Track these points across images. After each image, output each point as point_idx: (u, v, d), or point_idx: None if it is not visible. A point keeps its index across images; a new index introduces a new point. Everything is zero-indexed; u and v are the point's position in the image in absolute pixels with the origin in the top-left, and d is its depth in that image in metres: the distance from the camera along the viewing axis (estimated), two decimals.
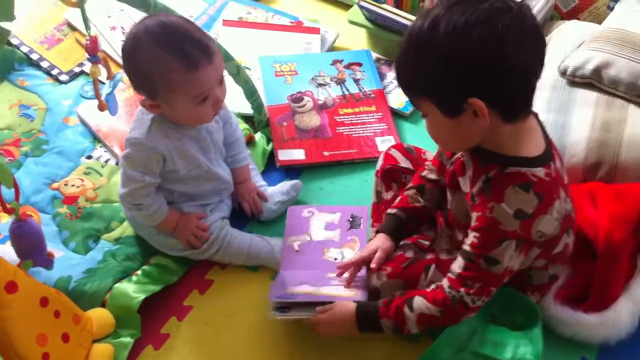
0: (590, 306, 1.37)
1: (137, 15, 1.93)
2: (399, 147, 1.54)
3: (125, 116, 1.82)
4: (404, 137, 1.83)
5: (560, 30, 1.81)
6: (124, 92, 1.88)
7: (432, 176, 1.41)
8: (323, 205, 1.63)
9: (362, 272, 1.40)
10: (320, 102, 1.88)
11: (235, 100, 1.77)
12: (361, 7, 1.99)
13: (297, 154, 1.76)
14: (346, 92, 1.91)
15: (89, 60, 1.57)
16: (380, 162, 1.53)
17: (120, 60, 1.98)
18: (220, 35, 2.05)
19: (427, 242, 1.43)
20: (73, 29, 2.15)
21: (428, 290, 1.25)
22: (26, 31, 2.11)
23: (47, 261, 1.41)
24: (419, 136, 1.79)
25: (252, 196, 1.62)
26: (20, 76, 2.04)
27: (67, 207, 1.66)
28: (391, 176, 1.51)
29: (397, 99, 1.92)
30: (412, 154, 1.52)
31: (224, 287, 1.53)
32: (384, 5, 1.95)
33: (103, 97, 1.60)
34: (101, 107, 1.62)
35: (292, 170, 1.74)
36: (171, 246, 1.53)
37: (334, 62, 1.99)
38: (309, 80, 1.94)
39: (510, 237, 1.13)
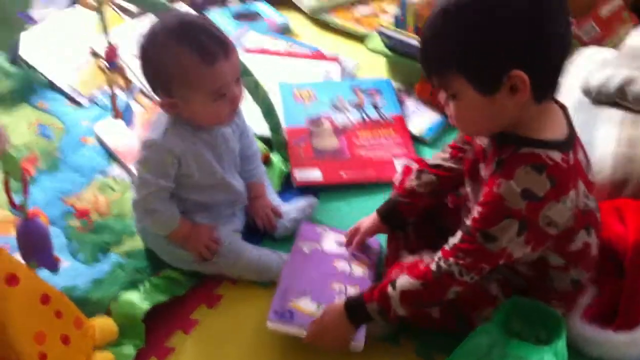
0: (619, 324, 1.30)
1: None
2: (418, 160, 1.50)
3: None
4: None
5: (581, 54, 1.79)
6: (144, 115, 1.88)
7: (435, 162, 1.38)
8: (337, 228, 1.58)
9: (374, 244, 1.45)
10: (338, 126, 1.86)
11: (252, 121, 1.74)
12: (381, 34, 1.99)
13: (314, 175, 1.72)
14: (365, 117, 1.89)
15: (106, 67, 1.57)
16: (399, 176, 1.49)
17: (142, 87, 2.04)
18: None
19: None
20: (96, 56, 2.17)
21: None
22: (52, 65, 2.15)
23: (53, 263, 1.36)
24: None
25: (266, 212, 1.58)
26: (40, 99, 2.05)
27: (79, 221, 1.63)
28: None
29: (418, 125, 1.89)
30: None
31: (233, 302, 1.47)
32: (404, 32, 1.94)
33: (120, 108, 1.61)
34: (117, 115, 1.62)
35: (309, 191, 1.70)
36: (181, 258, 1.48)
37: (354, 89, 1.98)
38: (328, 105, 1.92)
39: (514, 215, 1.08)
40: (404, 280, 1.21)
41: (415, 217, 1.43)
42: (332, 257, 1.48)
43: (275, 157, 1.76)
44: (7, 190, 1.32)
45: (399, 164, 1.74)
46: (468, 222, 1.14)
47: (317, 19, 2.41)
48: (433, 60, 1.11)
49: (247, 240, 1.54)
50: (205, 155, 1.43)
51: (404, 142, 1.82)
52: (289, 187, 1.72)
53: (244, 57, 2.05)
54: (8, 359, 1.16)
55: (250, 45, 2.17)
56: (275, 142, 1.79)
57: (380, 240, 1.54)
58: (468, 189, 1.26)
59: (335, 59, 2.12)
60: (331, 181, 1.71)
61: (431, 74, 1.12)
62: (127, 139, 1.81)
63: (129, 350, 1.35)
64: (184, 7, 2.27)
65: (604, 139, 1.53)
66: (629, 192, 1.48)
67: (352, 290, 1.38)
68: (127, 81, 1.64)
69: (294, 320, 1.32)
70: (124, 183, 1.74)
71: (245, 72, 1.63)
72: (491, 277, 1.26)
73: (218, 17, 2.30)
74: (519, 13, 1.01)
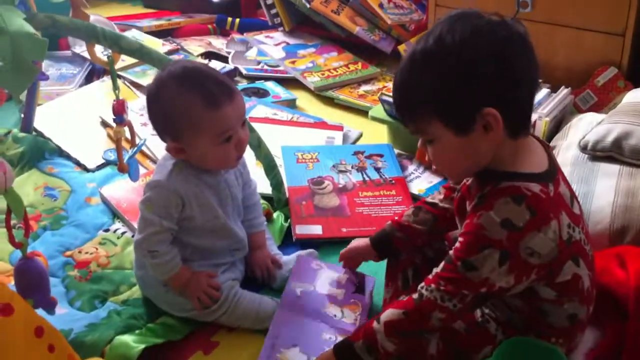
0: None
1: None
2: (421, 202, 1.50)
3: None
4: None
5: (580, 119, 1.83)
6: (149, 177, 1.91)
7: (433, 200, 1.39)
8: (333, 264, 1.57)
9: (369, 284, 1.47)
10: (340, 186, 1.88)
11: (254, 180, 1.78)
12: (382, 101, 2.04)
13: (315, 229, 1.73)
14: (367, 178, 1.92)
15: (114, 120, 1.62)
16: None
17: (148, 152, 2.09)
18: None
19: None
20: (106, 125, 2.24)
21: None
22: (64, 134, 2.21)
23: (49, 303, 1.37)
24: None
25: (265, 262, 1.58)
26: (49, 164, 2.09)
27: (78, 271, 1.63)
28: None
29: (419, 185, 1.91)
30: None
31: (229, 349, 1.44)
32: None
33: (125, 160, 1.64)
34: (122, 169, 1.65)
35: (309, 245, 1.70)
36: (180, 305, 1.47)
37: (356, 153, 2.02)
38: (330, 167, 1.95)
39: (494, 245, 1.08)
40: (388, 312, 1.20)
41: (406, 251, 1.43)
42: (324, 301, 1.46)
43: (277, 214, 1.77)
44: (9, 227, 1.34)
45: None
46: (450, 251, 1.15)
47: (322, 96, 2.49)
48: (406, 108, 1.15)
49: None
50: (209, 199, 1.45)
51: (405, 201, 1.83)
52: (289, 242, 1.72)
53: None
54: None
55: (257, 115, 2.23)
56: (277, 199, 1.81)
57: (375, 278, 1.54)
58: (459, 226, 1.27)
59: (338, 128, 2.17)
60: (331, 235, 1.72)
61: (406, 121, 1.16)
62: (131, 196, 1.83)
63: None
64: None
65: (602, 190, 1.54)
66: (628, 240, 1.48)
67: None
68: (134, 138, 1.68)
69: None
70: (126, 238, 1.75)
71: (249, 129, 1.67)
72: (488, 316, 1.25)
73: None
74: (487, 52, 1.05)
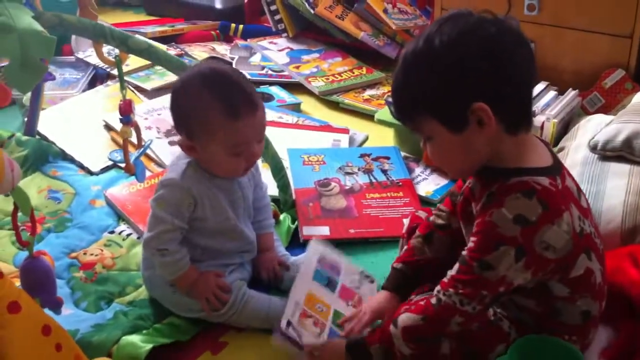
0: None
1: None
2: (427, 209, 1.49)
3: None
4: None
5: (589, 120, 1.82)
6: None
7: (441, 221, 1.36)
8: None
9: None
10: (347, 188, 1.87)
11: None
12: (389, 104, 2.03)
13: (322, 230, 1.71)
14: (373, 180, 1.90)
15: (121, 120, 1.61)
16: (406, 224, 1.48)
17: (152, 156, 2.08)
18: None
19: None
20: (110, 129, 2.23)
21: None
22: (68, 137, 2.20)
23: (56, 303, 1.35)
24: None
25: (272, 264, 1.56)
26: (52, 167, 2.08)
27: (83, 272, 1.61)
28: None
29: (426, 187, 1.90)
30: None
31: (238, 349, 1.42)
32: None
33: (132, 161, 1.63)
34: (128, 169, 1.64)
35: None
36: (187, 307, 1.45)
37: (362, 156, 2.01)
38: (337, 169, 1.94)
39: (509, 243, 1.07)
40: (404, 317, 1.19)
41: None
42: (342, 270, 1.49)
43: (283, 216, 1.76)
44: (15, 226, 1.32)
45: (408, 223, 1.73)
46: (464, 252, 1.14)
47: (327, 100, 2.48)
48: (402, 107, 1.16)
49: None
50: (221, 200, 1.44)
51: (412, 203, 1.82)
52: (297, 244, 1.71)
53: None
54: None
55: None
56: (284, 201, 1.79)
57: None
58: (464, 232, 1.25)
59: (344, 131, 2.16)
60: (338, 236, 1.70)
61: (404, 120, 1.17)
62: (136, 199, 1.82)
63: None
64: None
65: (612, 189, 1.53)
66: None
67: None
68: (140, 138, 1.66)
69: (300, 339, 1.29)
70: (131, 240, 1.73)
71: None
72: (501, 315, 1.23)
73: None
74: (476, 49, 1.06)
